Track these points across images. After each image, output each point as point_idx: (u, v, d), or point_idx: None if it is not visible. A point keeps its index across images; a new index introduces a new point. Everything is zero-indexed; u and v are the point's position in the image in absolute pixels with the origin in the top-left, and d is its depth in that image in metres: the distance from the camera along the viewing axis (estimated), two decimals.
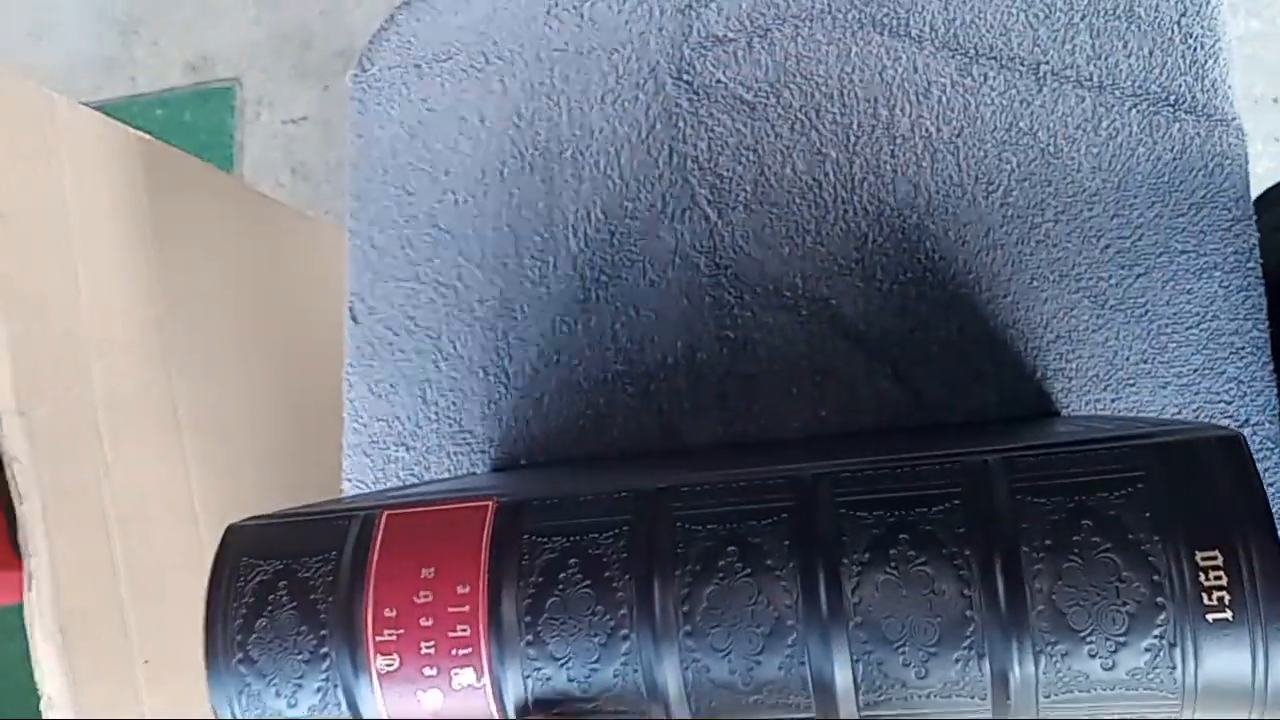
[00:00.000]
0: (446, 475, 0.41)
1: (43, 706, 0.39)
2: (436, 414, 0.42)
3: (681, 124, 0.41)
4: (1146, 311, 0.37)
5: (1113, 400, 0.37)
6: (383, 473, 0.42)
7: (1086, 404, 0.37)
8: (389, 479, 0.42)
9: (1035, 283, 0.38)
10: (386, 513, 0.23)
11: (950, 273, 0.38)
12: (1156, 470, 0.20)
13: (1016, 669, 0.20)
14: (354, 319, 0.43)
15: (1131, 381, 0.37)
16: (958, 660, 0.20)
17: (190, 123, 1.04)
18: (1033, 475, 0.21)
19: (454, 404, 0.42)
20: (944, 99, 0.39)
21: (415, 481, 0.41)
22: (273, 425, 0.56)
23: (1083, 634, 0.19)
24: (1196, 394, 0.36)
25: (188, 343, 0.52)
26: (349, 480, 0.42)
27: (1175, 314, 0.37)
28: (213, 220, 0.57)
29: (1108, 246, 0.37)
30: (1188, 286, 0.37)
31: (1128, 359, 0.37)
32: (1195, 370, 0.36)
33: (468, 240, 0.43)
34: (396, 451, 0.42)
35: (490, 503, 0.23)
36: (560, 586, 0.21)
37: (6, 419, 0.41)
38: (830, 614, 0.20)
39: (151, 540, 0.46)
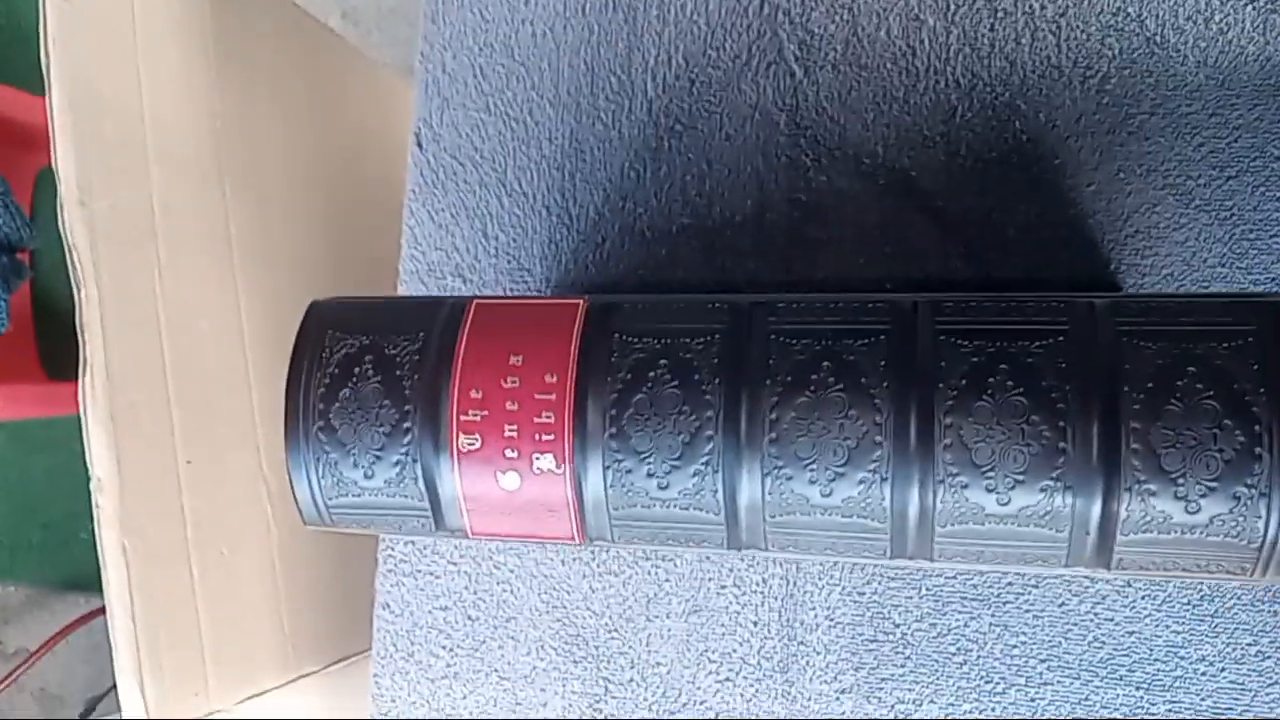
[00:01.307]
0: None
1: (92, 488, 0.39)
2: (496, 249, 0.42)
3: None
4: (1232, 214, 0.36)
5: None
6: None
7: None
8: None
9: (1121, 174, 0.37)
10: (476, 301, 0.23)
11: (1036, 155, 0.37)
12: (1268, 326, 0.20)
13: (1099, 505, 0.20)
14: (419, 145, 0.43)
15: (1206, 284, 0.36)
16: (1042, 491, 0.20)
17: None
18: (1139, 320, 0.20)
19: (514, 240, 0.42)
20: None
21: None
22: (319, 256, 0.56)
23: (1174, 475, 0.19)
24: None
25: (242, 163, 0.51)
26: None
27: (1261, 220, 0.36)
28: (272, 45, 0.56)
29: (1201, 144, 0.36)
30: (1278, 194, 0.36)
31: (1205, 260, 0.36)
32: (1273, 279, 0.36)
33: (542, 74, 0.42)
34: (453, 282, 0.42)
35: (581, 301, 0.23)
36: (648, 385, 0.22)
37: (69, 208, 0.41)
38: (919, 437, 0.20)
39: (199, 350, 0.46)
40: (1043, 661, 0.36)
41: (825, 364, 0.21)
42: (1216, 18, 0.37)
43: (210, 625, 0.43)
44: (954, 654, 0.37)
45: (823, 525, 0.21)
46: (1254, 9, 0.36)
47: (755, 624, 0.39)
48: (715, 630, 0.39)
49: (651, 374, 0.22)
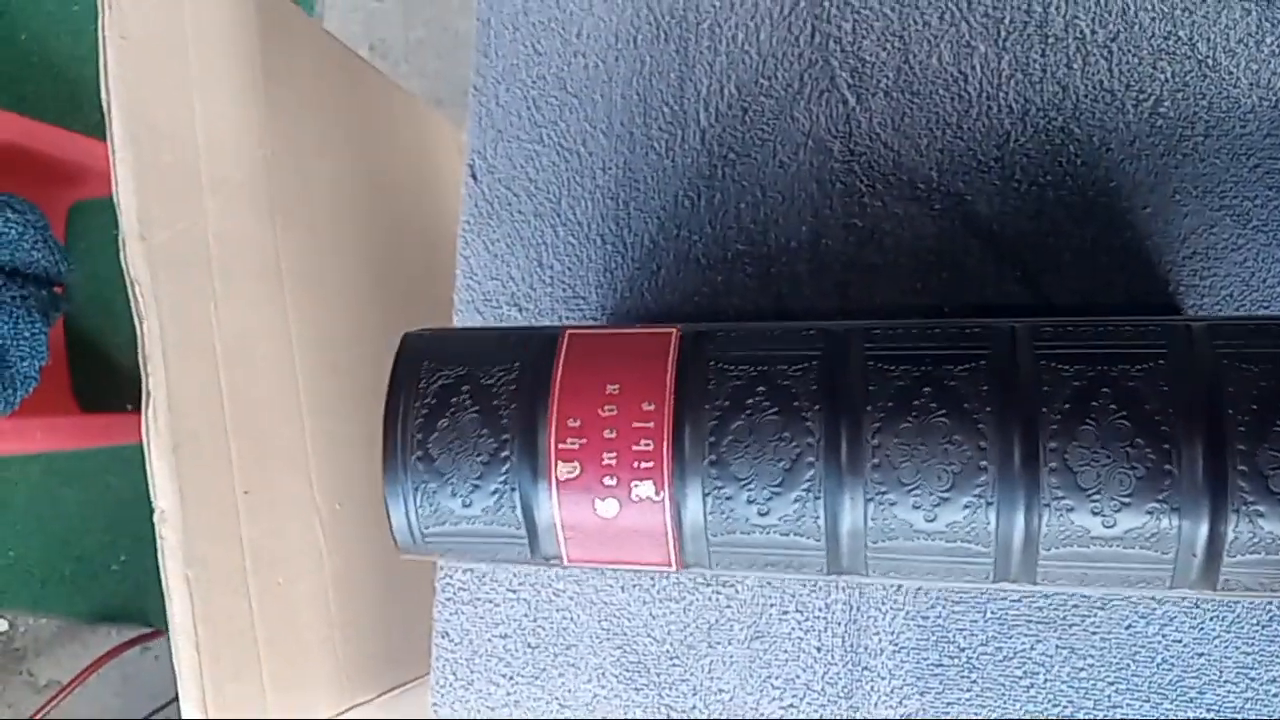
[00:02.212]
0: None
1: (155, 519, 0.40)
2: (551, 278, 0.42)
3: (827, 3, 0.40)
4: None
5: None
6: None
7: None
8: None
9: (1177, 196, 0.37)
10: (569, 331, 0.24)
11: (1091, 179, 0.38)
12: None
13: (1205, 527, 0.20)
14: (474, 177, 0.43)
15: (1266, 304, 0.36)
16: (1149, 513, 0.20)
17: None
18: (1238, 342, 0.21)
19: (569, 269, 0.42)
20: (1101, 0, 0.38)
21: None
22: (365, 286, 0.56)
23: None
24: None
25: (292, 192, 0.52)
26: None
27: None
28: (315, 76, 0.57)
29: (1257, 166, 0.37)
30: None
31: (1264, 280, 0.36)
32: None
33: (595, 105, 0.42)
34: (509, 311, 0.42)
35: (674, 330, 0.23)
36: (747, 411, 0.22)
37: (130, 243, 0.41)
38: (1023, 461, 0.20)
39: (254, 380, 0.46)
40: (1111, 684, 0.36)
41: (926, 389, 0.21)
42: (1268, 40, 0.37)
43: (269, 655, 0.43)
44: (1020, 678, 0.37)
45: (926, 550, 0.21)
46: None
47: (819, 650, 0.39)
48: (778, 656, 0.39)
49: (750, 400, 0.22)
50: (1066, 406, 0.20)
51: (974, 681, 0.37)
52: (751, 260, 0.40)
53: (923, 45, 0.39)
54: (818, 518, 0.21)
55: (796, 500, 0.21)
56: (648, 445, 0.22)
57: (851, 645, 0.38)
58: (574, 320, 0.42)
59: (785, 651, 0.39)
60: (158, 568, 0.40)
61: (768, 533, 0.22)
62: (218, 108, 0.48)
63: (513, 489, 0.23)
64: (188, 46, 0.47)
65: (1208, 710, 0.35)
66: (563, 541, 0.23)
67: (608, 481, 0.22)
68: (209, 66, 0.47)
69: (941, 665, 0.38)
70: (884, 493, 0.21)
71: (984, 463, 0.20)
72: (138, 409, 0.41)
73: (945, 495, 0.21)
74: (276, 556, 0.45)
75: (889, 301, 0.39)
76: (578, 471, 0.22)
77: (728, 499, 0.22)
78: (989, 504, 0.21)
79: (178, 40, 0.46)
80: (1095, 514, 0.20)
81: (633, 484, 0.22)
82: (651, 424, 0.22)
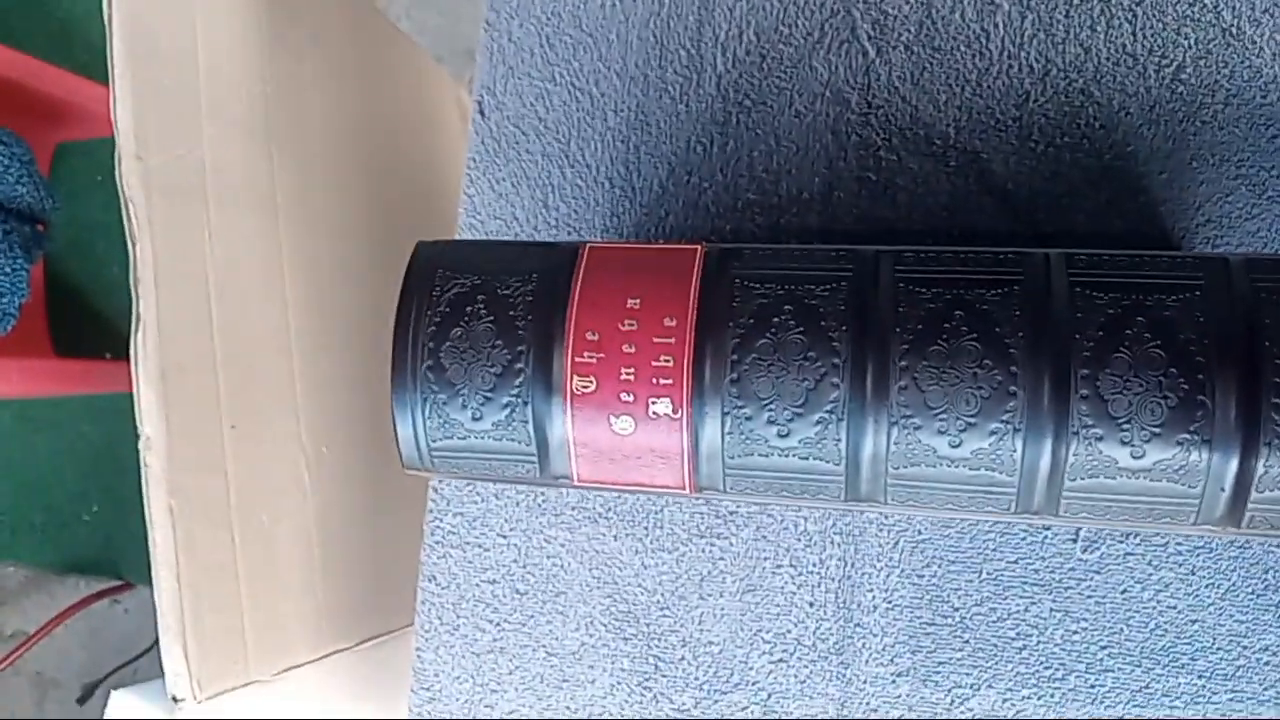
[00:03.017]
0: None
1: (141, 446, 0.39)
2: (556, 220, 0.41)
3: None
4: None
5: None
6: None
7: None
8: None
9: (1194, 163, 0.37)
10: (590, 245, 0.23)
11: (1109, 142, 0.37)
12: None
13: (1236, 461, 0.19)
14: (481, 113, 0.42)
15: None
16: (1179, 445, 0.19)
17: None
18: (1276, 277, 0.20)
19: (575, 212, 0.41)
20: None
21: None
22: (360, 223, 0.55)
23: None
24: None
25: (290, 127, 0.51)
26: None
27: None
28: (321, 14, 0.55)
29: (1276, 136, 0.36)
30: None
31: (1277, 250, 0.36)
32: None
33: (610, 45, 0.41)
34: None
35: (699, 246, 0.23)
36: (772, 330, 0.21)
37: (126, 161, 0.40)
38: (1054, 388, 0.20)
39: (245, 313, 0.45)
40: (1104, 648, 0.36)
41: (958, 313, 0.20)
42: None
43: (249, 592, 0.42)
44: (1013, 639, 0.37)
45: (948, 478, 0.21)
46: None
47: (811, 605, 0.38)
48: (770, 610, 0.39)
49: (776, 319, 0.21)
50: (1100, 334, 0.20)
51: (966, 641, 0.37)
52: (762, 210, 0.40)
53: (946, 1, 0.39)
54: (839, 441, 0.21)
55: (819, 422, 0.21)
56: (667, 361, 0.21)
57: (844, 601, 0.38)
58: None
59: (777, 605, 0.39)
60: (129, 520, 0.39)
61: (787, 456, 0.21)
62: (221, 35, 0.46)
63: (525, 403, 0.22)
64: None
65: (1199, 676, 0.35)
66: (574, 459, 0.23)
67: (624, 397, 0.22)
68: None
69: (934, 624, 0.37)
70: (909, 416, 0.21)
71: (1013, 388, 0.20)
72: (116, 357, 0.40)
73: (972, 420, 0.20)
74: (261, 493, 0.45)
75: None
76: (594, 386, 0.22)
77: (747, 419, 0.21)
78: (1016, 430, 0.20)
79: None
80: (1124, 444, 0.20)
81: (650, 400, 0.21)
82: (672, 340, 0.21)
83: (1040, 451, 0.20)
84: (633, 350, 0.22)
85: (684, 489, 0.23)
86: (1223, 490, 0.20)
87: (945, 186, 0.38)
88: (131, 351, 0.39)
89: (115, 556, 1.06)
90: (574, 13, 0.42)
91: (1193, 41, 0.37)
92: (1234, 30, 0.37)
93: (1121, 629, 0.36)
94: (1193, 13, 0.37)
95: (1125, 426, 0.20)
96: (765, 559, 0.39)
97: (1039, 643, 0.37)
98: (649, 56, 0.41)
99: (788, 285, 0.22)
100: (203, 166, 0.44)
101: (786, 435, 0.21)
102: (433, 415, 0.23)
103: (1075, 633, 0.36)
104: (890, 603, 0.38)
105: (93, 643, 1.12)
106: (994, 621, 0.37)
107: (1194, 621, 0.35)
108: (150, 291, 0.39)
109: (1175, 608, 0.36)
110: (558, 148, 0.42)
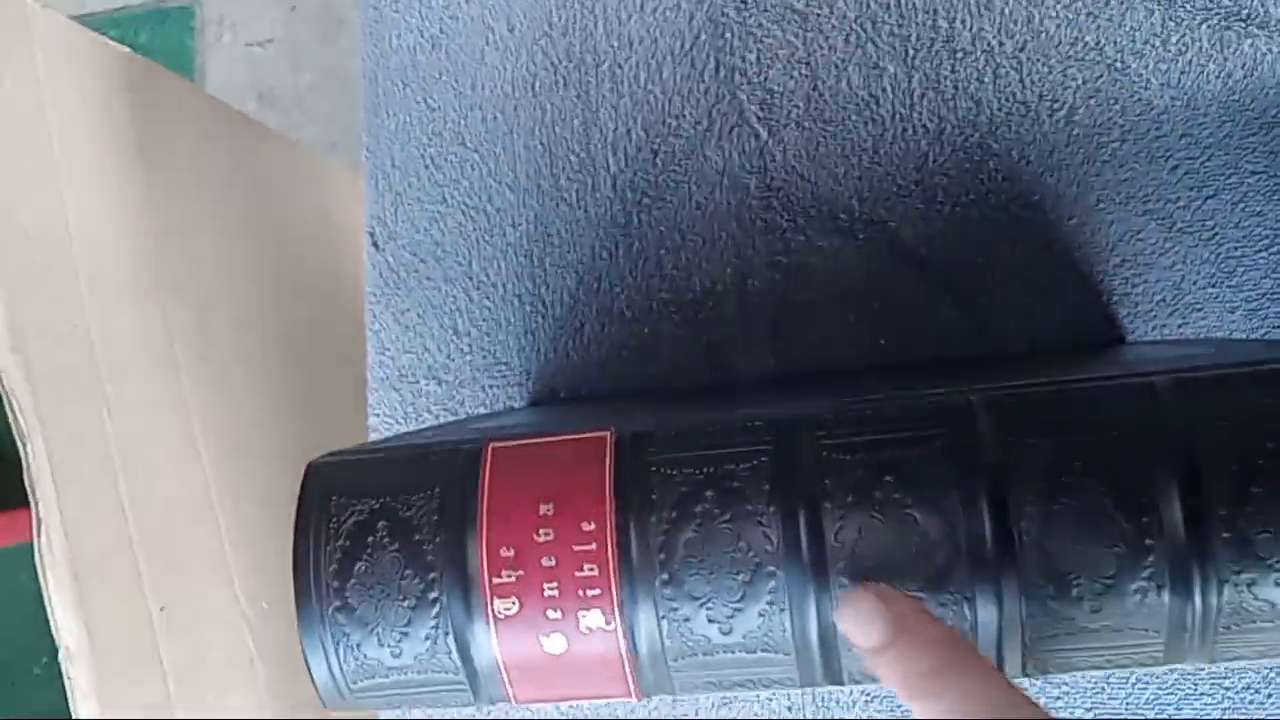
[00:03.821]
0: (482, 410, 0.39)
1: (61, 658, 0.36)
2: (469, 345, 0.40)
3: (729, 35, 0.39)
4: (1215, 234, 0.36)
5: (1180, 325, 0.36)
6: (413, 407, 0.40)
7: (1153, 329, 0.36)
8: (420, 414, 0.40)
9: (1101, 205, 0.36)
10: (491, 444, 0.21)
11: (1014, 194, 0.37)
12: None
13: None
14: (375, 245, 0.41)
15: (1199, 306, 0.36)
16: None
17: (147, 45, 0.98)
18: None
19: (488, 334, 0.40)
20: (1006, 10, 0.37)
21: (451, 418, 0.39)
22: (271, 360, 0.53)
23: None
24: (1265, 319, 0.35)
25: (181, 276, 0.48)
26: (376, 415, 0.40)
27: (1244, 237, 0.36)
28: (200, 143, 0.53)
29: (1176, 167, 0.36)
30: (1258, 209, 0.36)
31: (1195, 283, 0.36)
32: (1264, 295, 0.35)
33: (498, 159, 0.40)
34: (427, 385, 0.40)
35: (607, 434, 0.21)
36: (697, 521, 0.20)
37: (2, 356, 0.38)
38: (998, 552, 0.19)
39: (157, 484, 0.43)
40: (1088, 711, 0.35)
41: (887, 478, 0.19)
42: (1173, 39, 0.36)
43: None
44: None
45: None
46: (1208, 27, 0.36)
47: (789, 709, 0.37)
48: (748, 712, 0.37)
49: (699, 508, 0.20)
50: (1042, 484, 0.19)
51: None
52: (677, 308, 0.39)
53: (830, 70, 0.38)
54: (785, 630, 0.20)
55: (761, 615, 0.20)
56: (592, 571, 0.20)
57: (821, 700, 0.37)
58: (496, 386, 0.39)
59: (754, 716, 0.37)
60: None
61: (733, 651, 0.20)
62: (91, 198, 0.44)
63: (446, 633, 0.20)
64: (51, 137, 0.43)
65: None
66: (509, 683, 0.21)
67: (551, 614, 0.20)
68: (77, 154, 0.44)
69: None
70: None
71: (957, 566, 0.19)
72: (33, 537, 0.37)
73: (919, 594, 0.19)
74: (204, 673, 0.42)
75: (822, 338, 0.38)
76: (517, 607, 0.20)
77: (685, 620, 0.20)
78: (968, 599, 0.19)
79: (38, 130, 0.43)
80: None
81: (579, 614, 0.20)
82: (593, 545, 0.20)
83: (993, 616, 0.19)
84: (553, 563, 0.20)
85: (630, 696, 0.21)
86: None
87: (859, 261, 0.37)
88: (36, 558, 0.37)
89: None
90: (455, 130, 0.40)
91: (1080, 82, 0.37)
92: (1118, 65, 0.37)
93: (1103, 688, 0.35)
94: (1076, 52, 0.37)
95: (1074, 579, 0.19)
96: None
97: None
98: (539, 166, 0.40)
99: (706, 468, 0.20)
100: (90, 342, 0.41)
101: (729, 632, 0.20)
102: (348, 657, 0.21)
103: (1058, 698, 0.35)
104: (869, 695, 0.36)
105: None
106: None
107: (1173, 670, 0.35)
108: (49, 492, 0.37)
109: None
110: (459, 270, 0.40)
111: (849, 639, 0.19)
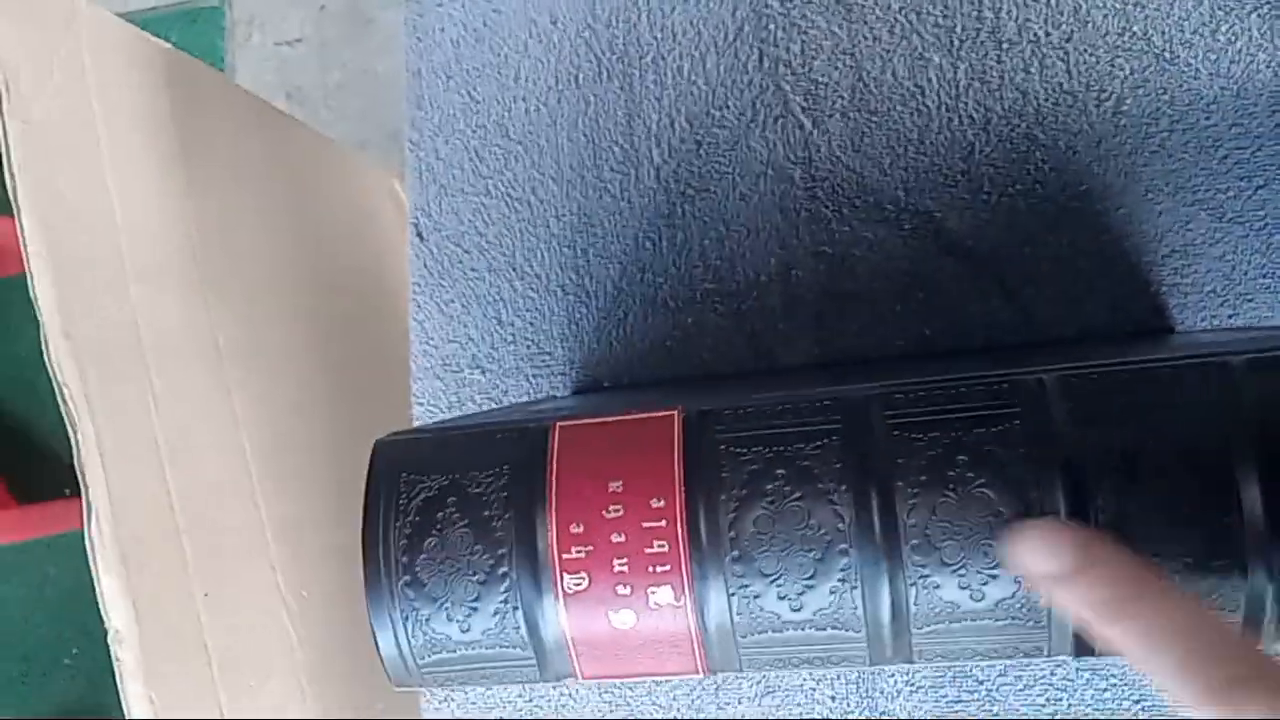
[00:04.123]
0: (525, 399, 0.39)
1: (110, 640, 0.37)
2: (513, 335, 0.40)
3: (772, 26, 0.39)
4: (1266, 224, 0.36)
5: (1230, 315, 0.36)
6: (457, 396, 0.40)
7: (1203, 319, 0.36)
8: (464, 403, 0.40)
9: (1150, 195, 0.36)
10: (558, 424, 0.22)
11: (1061, 184, 0.37)
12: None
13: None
14: (419, 236, 0.41)
15: (1250, 296, 0.36)
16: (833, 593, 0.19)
17: (177, 44, 0.98)
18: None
19: (531, 324, 0.40)
20: (1052, 1, 0.37)
21: (494, 407, 0.39)
22: (312, 352, 0.53)
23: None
24: None
25: (222, 268, 0.49)
26: (420, 404, 0.40)
27: None
28: (238, 136, 0.54)
29: (1226, 157, 0.36)
30: None
31: (1245, 273, 0.36)
32: None
33: (541, 151, 0.40)
34: (471, 374, 0.40)
35: (676, 412, 0.21)
36: (768, 499, 0.20)
37: (54, 341, 0.38)
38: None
39: (201, 471, 0.43)
40: (1136, 703, 0.35)
41: (961, 457, 0.19)
42: (1223, 29, 0.36)
43: None
44: (1043, 705, 0.36)
45: (977, 631, 0.20)
46: (1259, 16, 0.36)
47: (834, 699, 0.37)
48: (792, 711, 0.37)
49: (769, 486, 0.20)
50: (1119, 468, 0.19)
51: (996, 714, 0.36)
52: (721, 298, 0.39)
53: (875, 61, 0.38)
54: (856, 608, 0.20)
55: (832, 592, 0.20)
56: (662, 547, 0.20)
57: (866, 690, 0.37)
58: (539, 375, 0.40)
59: (799, 705, 0.37)
60: (111, 659, 0.37)
61: (803, 629, 0.20)
62: (136, 186, 0.45)
63: (515, 608, 0.21)
64: (97, 125, 0.43)
65: None
66: (575, 658, 0.21)
67: (621, 590, 0.20)
68: (122, 144, 0.44)
69: (961, 701, 0.36)
70: (926, 575, 0.19)
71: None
72: (75, 494, 0.38)
73: (993, 573, 0.19)
74: (244, 658, 0.42)
75: (867, 328, 0.37)
76: (586, 583, 0.20)
77: (755, 597, 0.20)
78: (1034, 590, 0.19)
79: (85, 120, 0.43)
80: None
81: (649, 590, 0.20)
82: (664, 522, 0.20)
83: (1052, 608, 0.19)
84: (623, 539, 0.20)
85: (697, 672, 0.21)
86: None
87: (903, 251, 0.37)
88: (86, 541, 0.37)
89: (102, 698, 1.02)
90: (499, 122, 0.40)
91: (1128, 72, 0.37)
92: (1167, 55, 0.37)
93: (1151, 682, 0.35)
94: (1123, 42, 0.37)
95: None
96: None
97: (1070, 705, 0.35)
98: (583, 157, 0.40)
99: (776, 447, 0.20)
100: (136, 329, 0.42)
101: (800, 609, 0.20)
102: (417, 633, 0.21)
103: (1105, 691, 0.35)
104: (913, 685, 0.36)
105: None
106: (1021, 689, 0.36)
107: None
108: (98, 475, 0.37)
109: None
110: (503, 261, 0.40)
111: (1026, 569, 0.18)
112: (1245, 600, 0.19)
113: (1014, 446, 0.19)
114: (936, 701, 0.36)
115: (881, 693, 0.37)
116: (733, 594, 0.20)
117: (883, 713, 0.37)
